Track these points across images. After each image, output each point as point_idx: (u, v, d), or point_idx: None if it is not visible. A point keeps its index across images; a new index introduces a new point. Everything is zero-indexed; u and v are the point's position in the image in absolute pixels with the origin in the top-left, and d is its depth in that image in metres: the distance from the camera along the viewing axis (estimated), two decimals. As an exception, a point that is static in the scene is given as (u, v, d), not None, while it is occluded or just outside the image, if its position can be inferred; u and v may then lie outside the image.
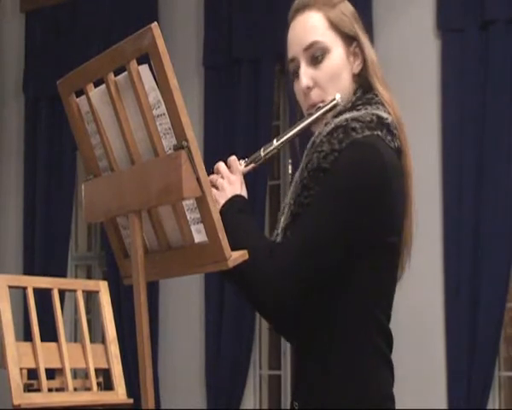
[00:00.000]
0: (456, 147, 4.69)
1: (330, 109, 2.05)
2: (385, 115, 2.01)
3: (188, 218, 1.79)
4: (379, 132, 1.97)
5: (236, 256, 1.73)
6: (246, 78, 5.37)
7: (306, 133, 2.10)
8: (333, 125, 1.99)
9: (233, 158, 2.08)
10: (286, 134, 2.10)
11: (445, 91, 4.75)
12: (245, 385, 5.33)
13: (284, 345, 5.31)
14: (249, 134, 5.30)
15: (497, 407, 4.64)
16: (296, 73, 2.12)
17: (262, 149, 2.09)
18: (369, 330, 1.98)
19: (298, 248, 1.92)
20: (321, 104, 2.07)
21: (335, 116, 2.03)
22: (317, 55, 2.07)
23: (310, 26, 2.10)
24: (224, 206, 2.01)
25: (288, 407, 2.07)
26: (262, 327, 5.47)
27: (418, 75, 4.77)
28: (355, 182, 1.92)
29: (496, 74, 4.59)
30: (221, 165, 2.07)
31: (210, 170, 1.95)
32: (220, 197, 2.02)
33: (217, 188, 2.04)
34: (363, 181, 1.92)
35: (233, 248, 1.76)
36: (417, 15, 4.90)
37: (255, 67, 5.35)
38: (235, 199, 2.02)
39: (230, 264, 1.72)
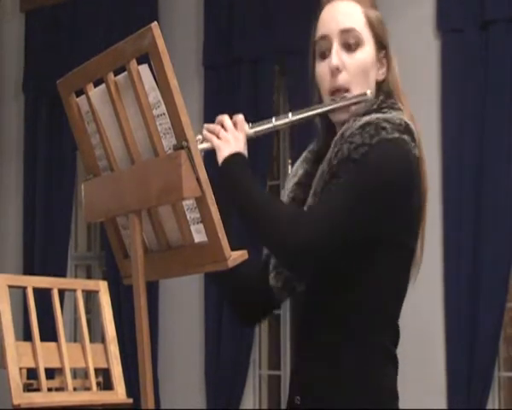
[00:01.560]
0: (456, 147, 4.70)
1: (357, 102, 2.02)
2: (409, 122, 2.01)
3: (187, 218, 1.79)
4: (405, 137, 1.97)
5: (236, 256, 1.73)
6: (245, 78, 5.37)
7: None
8: (363, 122, 1.96)
9: (240, 116, 2.03)
10: (304, 112, 2.05)
11: (445, 92, 4.75)
12: (244, 385, 5.34)
13: (284, 345, 5.31)
14: (249, 134, 5.30)
15: (496, 408, 4.64)
16: (323, 54, 2.06)
17: (274, 118, 2.05)
18: (380, 329, 1.98)
19: (321, 216, 1.89)
20: (346, 94, 2.03)
21: (362, 115, 2.00)
22: (351, 43, 2.04)
23: (350, 13, 2.05)
24: (231, 157, 1.96)
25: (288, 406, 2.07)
26: (262, 327, 5.48)
27: (418, 76, 4.77)
28: (383, 179, 1.91)
29: (496, 75, 4.59)
30: (226, 119, 2.03)
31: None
32: (224, 147, 1.97)
33: (218, 137, 1.98)
34: (391, 180, 1.91)
35: (243, 202, 1.77)
36: (417, 16, 4.91)
37: (255, 67, 5.35)
38: (242, 155, 1.98)
39: (230, 264, 1.72)
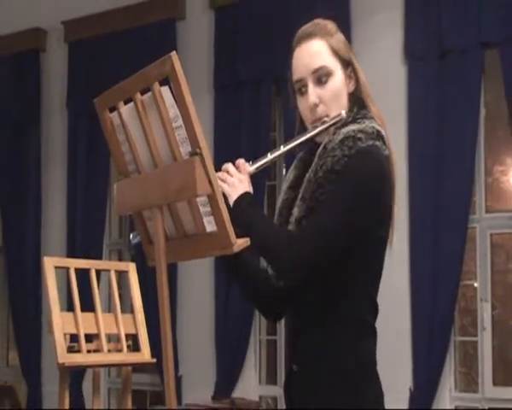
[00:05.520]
0: (420, 153, 4.69)
1: (335, 123, 2.02)
2: (379, 128, 2.00)
3: (201, 211, 1.79)
4: (377, 143, 1.97)
5: (240, 243, 1.74)
6: (248, 97, 5.37)
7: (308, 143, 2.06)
8: (342, 136, 1.96)
9: (241, 160, 2.02)
10: (293, 141, 2.05)
11: (412, 110, 4.75)
12: (247, 348, 5.34)
13: (279, 315, 5.30)
14: (251, 142, 5.30)
15: (453, 366, 4.65)
16: (301, 91, 2.06)
17: (269, 153, 2.04)
18: (364, 307, 1.98)
19: (314, 238, 1.89)
20: (326, 118, 2.03)
21: (340, 128, 1.99)
22: (322, 77, 2.03)
23: (316, 52, 2.05)
24: (238, 199, 1.96)
25: (283, 367, 2.07)
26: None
27: (389, 97, 4.75)
28: (361, 185, 1.91)
29: (452, 96, 4.59)
30: (230, 166, 2.01)
31: (219, 171, 1.94)
32: (232, 192, 1.97)
33: (227, 183, 1.98)
34: (368, 185, 1.91)
35: (251, 234, 1.76)
36: (388, 46, 4.89)
37: (256, 88, 5.35)
38: (247, 195, 1.98)
39: (235, 249, 1.72)
